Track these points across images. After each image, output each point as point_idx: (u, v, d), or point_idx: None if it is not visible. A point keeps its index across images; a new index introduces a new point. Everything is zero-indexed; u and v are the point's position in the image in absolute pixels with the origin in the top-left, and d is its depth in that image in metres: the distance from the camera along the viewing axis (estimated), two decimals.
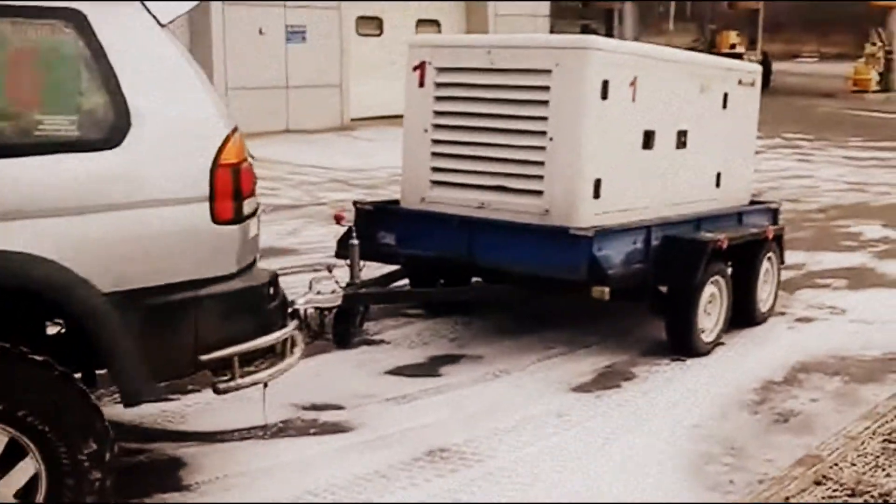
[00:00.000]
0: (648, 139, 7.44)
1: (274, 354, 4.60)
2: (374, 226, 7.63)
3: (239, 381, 4.44)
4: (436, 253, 7.37)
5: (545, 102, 6.96)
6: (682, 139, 7.84)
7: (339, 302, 6.45)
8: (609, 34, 39.77)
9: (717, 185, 8.39)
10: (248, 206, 4.47)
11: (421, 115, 7.51)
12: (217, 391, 4.42)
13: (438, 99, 7.45)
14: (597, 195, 6.99)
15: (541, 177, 7.05)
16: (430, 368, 7.00)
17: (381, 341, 7.57)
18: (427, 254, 7.42)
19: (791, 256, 9.70)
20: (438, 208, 7.46)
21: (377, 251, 7.59)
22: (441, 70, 7.38)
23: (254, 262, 4.65)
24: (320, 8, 21.21)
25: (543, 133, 7.00)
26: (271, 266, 5.10)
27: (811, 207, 14.48)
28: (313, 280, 6.38)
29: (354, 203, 7.81)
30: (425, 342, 7.58)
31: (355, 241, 7.03)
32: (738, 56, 41.89)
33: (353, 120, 21.65)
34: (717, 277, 7.58)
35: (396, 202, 7.76)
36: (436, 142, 7.50)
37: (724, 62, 8.72)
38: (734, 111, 8.46)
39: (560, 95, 6.86)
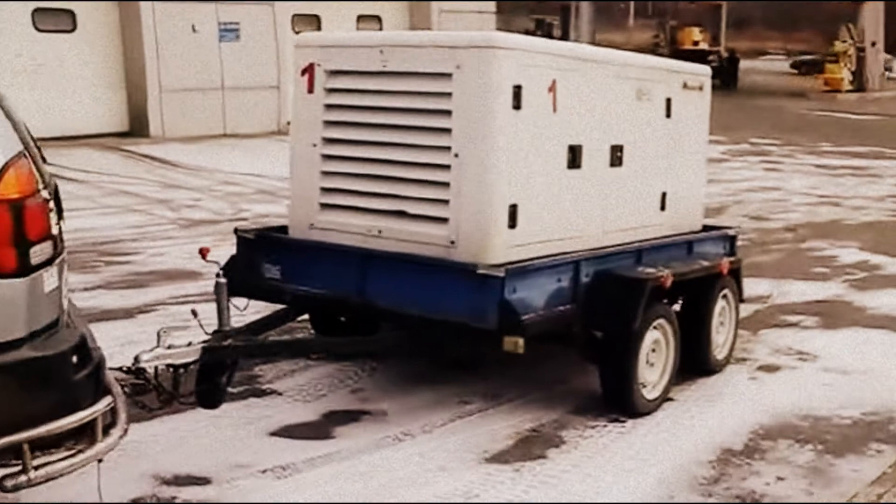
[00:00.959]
0: (575, 156, 6.47)
1: (87, 435, 4.03)
2: (257, 257, 6.70)
3: (32, 474, 3.87)
4: (324, 291, 6.42)
5: (447, 112, 6.03)
6: (616, 155, 6.91)
7: (195, 357, 5.27)
8: (565, 31, 38.90)
9: (662, 207, 7.42)
10: (39, 253, 3.97)
11: (309, 127, 6.57)
12: (3, 488, 3.83)
13: (329, 108, 6.52)
14: (512, 224, 6.06)
15: (445, 201, 6.09)
16: (322, 428, 6.29)
17: (272, 392, 6.83)
18: (315, 291, 6.46)
19: (754, 286, 8.72)
20: (329, 236, 6.53)
21: (261, 287, 6.64)
22: (331, 74, 6.45)
23: (56, 324, 4.09)
24: (254, 4, 20.81)
25: (447, 149, 6.06)
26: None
27: (778, 226, 13.49)
28: (162, 331, 5.31)
29: (235, 230, 6.87)
30: (322, 393, 6.84)
31: (222, 280, 5.94)
32: (703, 54, 41.19)
33: (290, 123, 20.45)
34: (660, 321, 6.58)
35: (285, 228, 6.78)
36: (326, 158, 6.55)
37: (665, 63, 7.69)
38: (680, 120, 7.53)
39: (464, 104, 5.93)
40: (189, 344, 5.47)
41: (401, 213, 6.25)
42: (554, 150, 6.32)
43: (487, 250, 5.99)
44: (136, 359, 5.26)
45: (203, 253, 6.08)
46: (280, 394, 6.80)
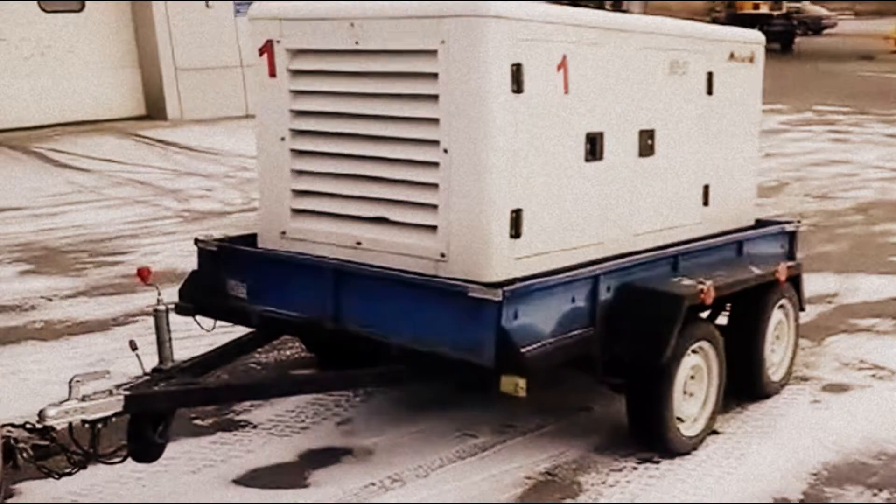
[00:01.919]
0: (594, 146, 5.52)
1: None
2: (221, 272, 5.83)
3: None
4: (295, 313, 5.55)
5: (433, 98, 5.09)
6: (646, 142, 5.95)
7: (117, 409, 4.35)
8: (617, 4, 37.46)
9: (705, 202, 6.45)
10: None
11: (275, 118, 5.65)
12: None
13: (296, 94, 5.59)
14: (516, 232, 5.14)
15: (434, 206, 5.17)
16: (296, 473, 5.48)
17: (246, 424, 6.03)
18: (284, 313, 5.59)
19: (818, 282, 7.60)
20: (302, 247, 5.64)
21: (225, 307, 5.79)
22: (295, 53, 5.55)
23: None
24: None
25: (435, 143, 5.12)
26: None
27: (846, 206, 12.27)
28: (76, 379, 4.50)
29: (196, 241, 5.97)
30: (304, 426, 6.04)
31: (162, 308, 5.27)
32: (764, 18, 39.64)
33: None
34: (701, 343, 5.55)
35: (254, 237, 5.90)
36: (297, 154, 5.63)
37: (706, 30, 6.63)
38: (724, 97, 6.58)
39: (452, 88, 5.00)
40: (109, 392, 4.52)
41: (382, 221, 5.32)
42: (567, 140, 5.37)
43: (484, 266, 5.06)
44: (41, 415, 4.40)
45: (142, 275, 5.18)
46: (255, 426, 6.02)
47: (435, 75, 5.00)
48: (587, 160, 5.46)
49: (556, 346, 5.07)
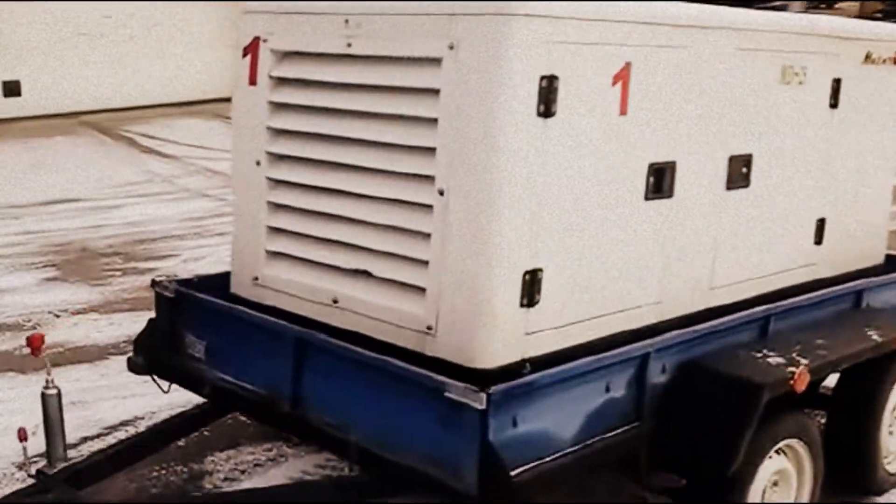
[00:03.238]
0: (660, 180, 4.05)
1: None
2: (180, 323, 4.46)
3: None
4: (251, 386, 4.14)
5: (432, 122, 3.61)
6: (738, 171, 4.41)
7: None
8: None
9: (818, 240, 4.85)
10: None
11: (251, 136, 4.22)
12: None
13: (276, 108, 4.15)
14: (529, 300, 3.64)
15: (423, 262, 3.71)
16: None
17: None
18: (239, 386, 4.19)
19: None
20: (274, 299, 4.23)
21: (181, 368, 4.42)
22: (281, 56, 4.12)
23: None
24: None
25: (429, 180, 3.65)
26: None
27: None
28: None
29: (153, 283, 4.55)
30: None
31: (52, 391, 4.04)
32: None
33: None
34: (789, 442, 3.85)
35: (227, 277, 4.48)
36: (273, 183, 4.20)
37: (831, 24, 4.74)
38: (854, 110, 4.93)
39: (457, 108, 3.53)
40: None
41: (364, 274, 3.89)
42: (619, 175, 3.88)
43: (482, 345, 3.60)
44: None
45: (33, 346, 4.06)
46: None
47: (436, 92, 3.42)
48: (649, 198, 3.93)
49: (581, 456, 3.51)
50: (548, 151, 3.52)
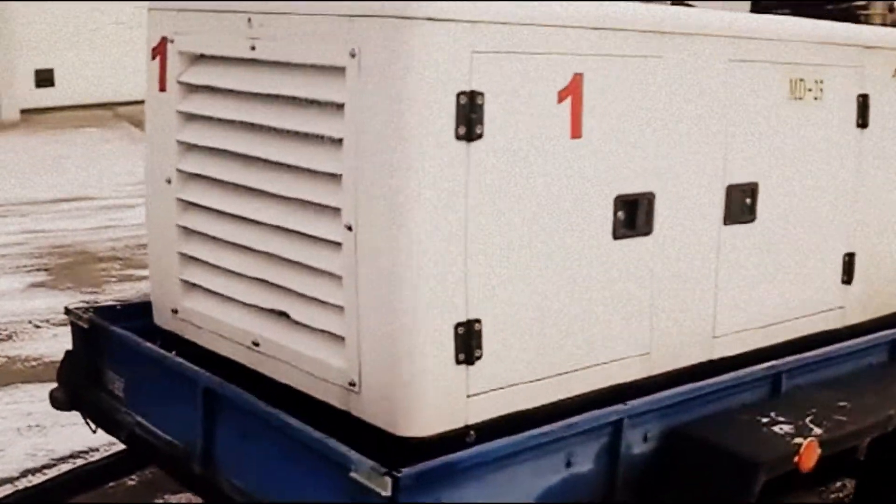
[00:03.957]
0: (633, 214, 3.31)
1: None
2: (98, 356, 3.83)
3: None
4: (168, 437, 3.45)
5: (337, 143, 2.95)
6: (741, 203, 3.65)
7: None
8: None
9: (847, 279, 4.07)
10: None
11: (162, 150, 3.59)
12: None
13: (186, 119, 3.51)
14: (467, 356, 2.94)
15: (340, 307, 3.02)
16: None
17: None
18: (155, 435, 3.49)
19: None
20: (195, 334, 3.57)
21: (103, 407, 3.79)
22: (189, 60, 3.48)
23: None
24: None
25: (337, 212, 2.99)
26: None
27: None
28: None
29: (67, 310, 3.93)
30: None
31: None
32: None
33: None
34: None
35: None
36: (184, 205, 3.55)
37: (853, 31, 3.91)
38: (888, 131, 4.10)
39: (362, 128, 2.86)
40: None
41: (284, 315, 3.22)
42: (577, 209, 3.16)
43: (409, 410, 2.90)
44: None
45: None
46: None
47: (340, 107, 2.71)
48: (619, 235, 3.08)
49: None
50: (475, 181, 2.80)
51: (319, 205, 2.98)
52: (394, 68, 2.71)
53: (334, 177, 2.90)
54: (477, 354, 2.91)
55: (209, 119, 3.34)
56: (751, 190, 3.60)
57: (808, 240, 3.87)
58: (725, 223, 3.54)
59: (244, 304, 3.30)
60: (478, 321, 2.90)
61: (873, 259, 4.16)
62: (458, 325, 2.86)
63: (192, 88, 3.39)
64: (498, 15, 2.80)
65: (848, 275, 4.08)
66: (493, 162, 2.85)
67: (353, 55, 2.79)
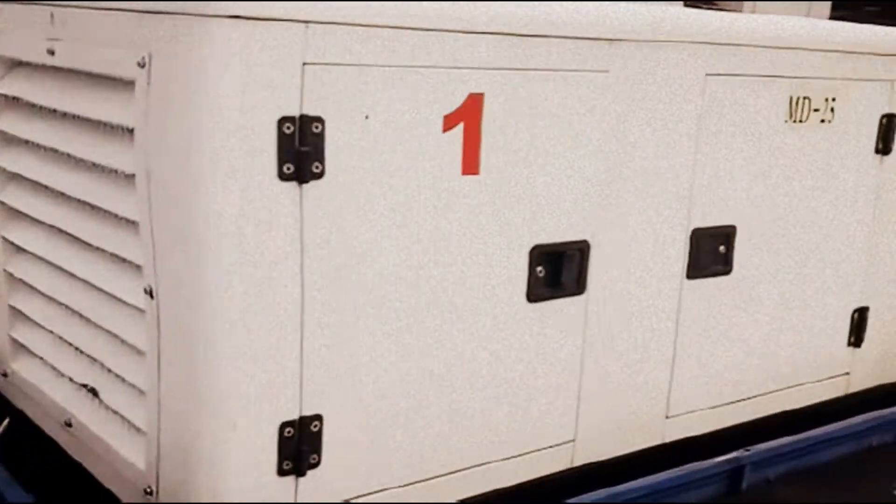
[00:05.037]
0: (557, 269, 2.43)
1: None
2: None
3: None
4: None
5: (131, 178, 2.07)
6: (713, 251, 2.76)
7: None
8: None
9: (856, 340, 3.15)
10: None
11: None
12: None
13: (4, 140, 2.61)
14: (296, 464, 2.09)
15: (142, 391, 2.18)
16: None
17: None
18: None
19: None
20: (25, 404, 2.73)
21: None
22: (6, 66, 2.56)
23: None
24: None
25: (138, 270, 2.12)
26: None
27: None
28: None
29: None
30: None
31: None
32: None
33: None
34: None
35: None
36: (10, 248, 2.68)
37: (880, 35, 2.87)
38: None
39: (153, 163, 1.98)
40: None
41: (93, 394, 2.42)
42: (476, 264, 2.30)
43: None
44: None
45: None
46: None
47: (131, 132, 1.83)
48: (537, 298, 2.22)
49: None
50: (313, 234, 1.93)
51: (121, 258, 2.12)
52: (188, 84, 1.83)
53: (132, 223, 2.05)
54: (312, 461, 2.06)
55: (24, 142, 2.49)
56: (725, 235, 2.67)
57: (805, 293, 2.94)
58: (689, 276, 2.61)
59: (63, 376, 2.48)
60: (317, 418, 2.04)
61: (890, 314, 3.20)
62: (286, 424, 2.00)
63: (9, 102, 2.53)
64: (347, 13, 1.89)
65: (857, 335, 3.15)
66: (338, 209, 1.97)
67: (141, 65, 1.92)
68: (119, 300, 2.19)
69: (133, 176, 2.04)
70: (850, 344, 3.18)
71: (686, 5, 3.05)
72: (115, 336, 2.24)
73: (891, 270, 3.22)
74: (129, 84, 2.01)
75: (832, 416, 3.15)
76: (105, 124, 2.13)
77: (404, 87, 2.04)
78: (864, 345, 3.21)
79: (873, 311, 3.21)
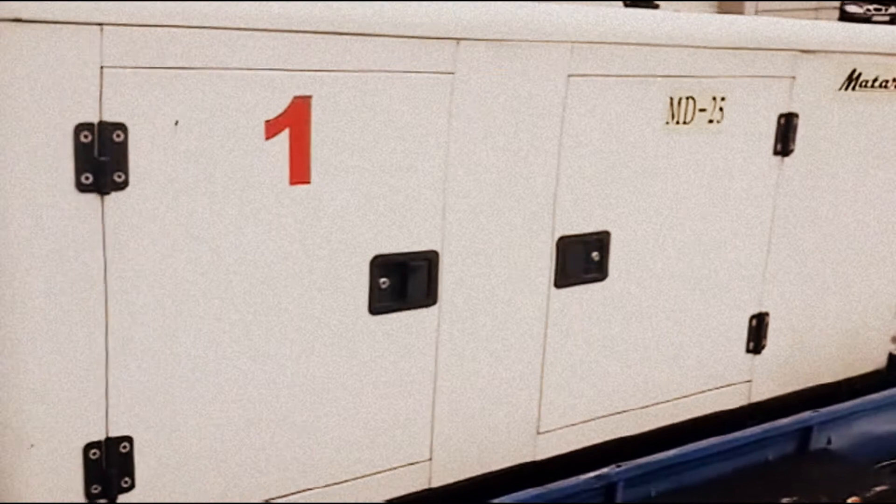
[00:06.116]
0: (403, 280, 2.47)
1: None
2: None
3: None
4: None
5: None
6: (584, 258, 2.78)
7: None
8: None
9: (755, 346, 3.27)
10: None
11: None
12: None
13: None
14: (105, 490, 2.10)
15: None
16: None
17: None
18: None
19: None
20: None
21: None
22: None
23: None
24: None
25: None
26: None
27: None
28: None
29: None
30: None
31: None
32: None
33: None
34: None
35: None
36: None
37: (781, 30, 2.91)
38: (821, 159, 3.20)
39: None
40: None
41: None
42: (305, 279, 2.30)
43: None
44: None
45: None
46: None
47: None
48: (380, 310, 2.24)
49: None
50: (116, 246, 1.93)
51: None
52: None
53: None
54: (124, 485, 2.06)
55: None
56: (598, 241, 2.66)
57: (695, 299, 2.94)
58: (557, 285, 2.60)
59: None
60: (126, 439, 2.05)
61: (799, 317, 3.24)
62: (91, 445, 2.00)
63: None
64: (143, 14, 1.88)
65: (756, 341, 3.15)
66: (145, 221, 1.96)
67: None
68: None
69: None
70: (749, 350, 3.18)
71: (626, 5, 3.03)
72: None
73: (794, 274, 3.22)
74: None
75: (734, 426, 3.15)
76: None
77: (219, 90, 2.03)
78: (765, 351, 3.21)
79: (774, 316, 3.21)
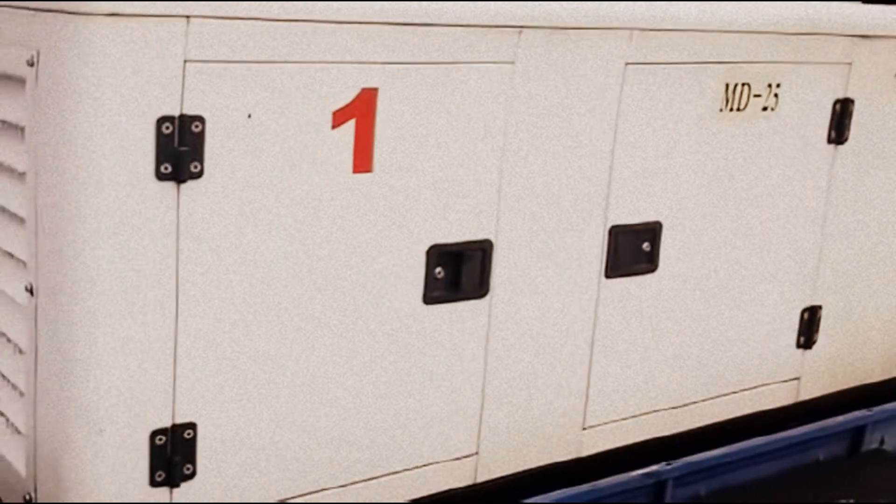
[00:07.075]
0: (457, 270, 2.90)
1: None
2: None
3: None
4: None
5: (20, 177, 2.55)
6: (635, 249, 3.21)
7: None
8: None
9: (806, 340, 3.71)
10: None
11: None
12: None
13: None
14: (168, 474, 2.53)
15: (20, 391, 2.67)
16: None
17: None
18: None
19: None
20: None
21: None
22: None
23: None
24: None
25: (21, 266, 2.61)
26: None
27: None
28: None
29: None
30: None
31: None
32: None
33: None
34: None
35: None
36: None
37: (837, 15, 3.42)
38: (875, 148, 3.63)
39: (40, 160, 2.41)
40: None
41: None
42: (364, 267, 2.71)
43: None
44: None
45: None
46: None
47: (21, 130, 2.46)
48: (434, 300, 2.68)
49: None
50: (190, 235, 2.35)
51: (5, 253, 2.56)
52: (68, 82, 2.26)
53: (18, 219, 2.49)
54: (186, 471, 2.49)
55: None
56: (650, 232, 3.11)
57: (746, 292, 3.38)
58: (608, 276, 3.05)
59: None
60: (190, 426, 2.48)
61: (848, 311, 3.67)
62: (158, 432, 2.44)
63: None
64: (230, 7, 2.31)
65: (807, 336, 3.61)
66: (218, 210, 2.40)
67: (30, 63, 2.35)
68: (6, 296, 2.61)
69: (22, 174, 2.46)
70: (799, 346, 3.62)
71: None
72: (2, 334, 2.66)
73: (848, 267, 3.66)
74: (18, 81, 2.42)
75: (781, 425, 3.60)
76: (1, 122, 2.55)
77: (289, 83, 2.45)
78: (815, 346, 3.65)
79: (826, 310, 3.65)
